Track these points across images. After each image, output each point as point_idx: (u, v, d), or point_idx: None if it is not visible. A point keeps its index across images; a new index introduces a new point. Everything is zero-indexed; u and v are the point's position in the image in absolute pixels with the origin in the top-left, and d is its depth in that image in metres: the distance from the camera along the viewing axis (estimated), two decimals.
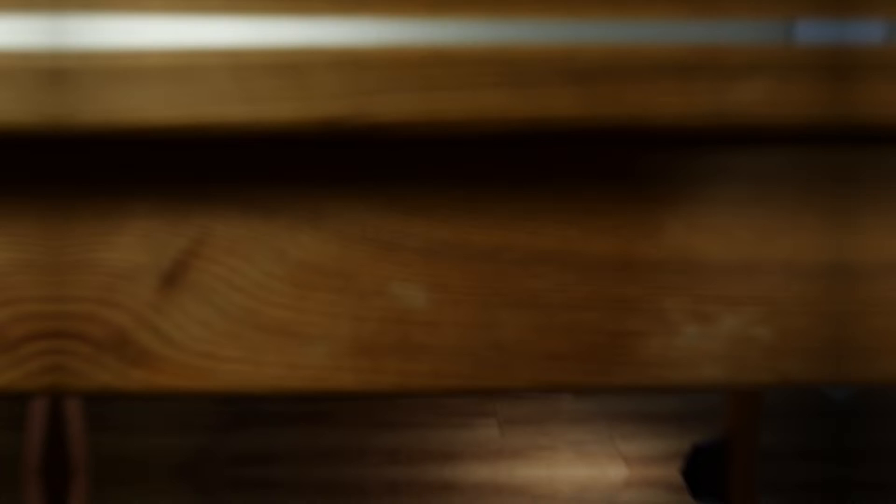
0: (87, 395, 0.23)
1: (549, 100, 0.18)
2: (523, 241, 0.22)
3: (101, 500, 1.07)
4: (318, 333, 0.23)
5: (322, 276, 0.22)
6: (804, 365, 0.24)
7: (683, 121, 0.18)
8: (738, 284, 0.23)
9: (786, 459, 1.17)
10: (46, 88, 0.18)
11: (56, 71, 0.18)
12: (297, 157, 0.21)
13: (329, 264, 0.22)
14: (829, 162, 0.22)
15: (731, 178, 0.22)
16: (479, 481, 1.10)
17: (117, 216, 0.22)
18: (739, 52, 0.18)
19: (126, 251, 0.22)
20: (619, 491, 1.10)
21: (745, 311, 0.23)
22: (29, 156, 0.21)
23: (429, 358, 0.23)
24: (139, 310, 0.22)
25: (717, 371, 0.23)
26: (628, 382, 0.23)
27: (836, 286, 0.23)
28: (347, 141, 0.18)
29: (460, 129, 0.18)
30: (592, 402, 1.27)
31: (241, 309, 0.22)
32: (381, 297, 0.22)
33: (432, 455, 1.15)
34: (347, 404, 1.25)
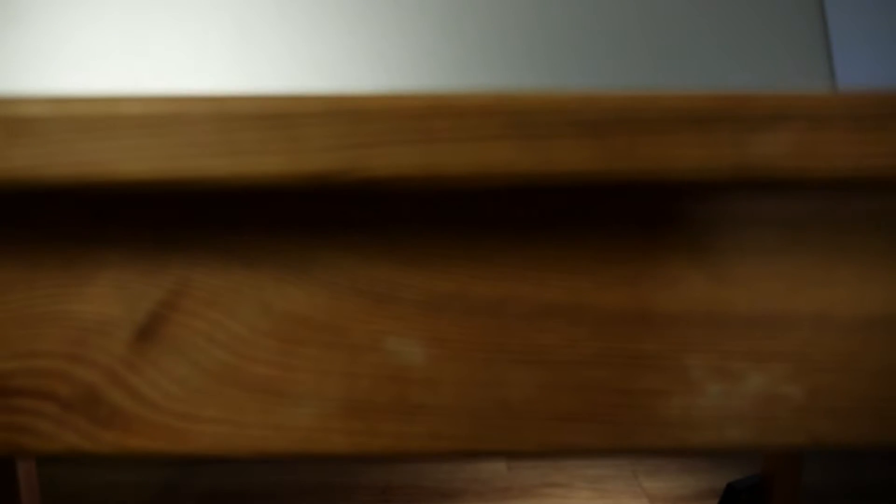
0: (51, 457, 0.24)
1: (559, 153, 0.18)
2: (529, 293, 0.23)
3: None
4: (306, 392, 0.23)
5: (310, 331, 0.23)
6: (837, 425, 0.24)
7: (703, 174, 0.19)
8: (765, 339, 0.24)
9: (830, 499, 1.18)
10: (13, 138, 0.19)
11: (24, 119, 0.19)
12: (282, 204, 0.22)
13: (318, 317, 0.23)
14: (864, 208, 0.23)
15: (758, 225, 0.23)
16: None
17: (88, 265, 0.23)
18: (761, 101, 0.19)
19: (98, 303, 0.23)
20: None
21: (773, 368, 0.24)
22: None
23: (427, 419, 0.24)
24: (111, 366, 0.23)
25: (744, 432, 0.24)
26: (646, 445, 0.24)
27: (873, 341, 0.24)
28: (341, 196, 0.19)
29: (463, 184, 0.18)
30: None
31: (222, 365, 0.23)
32: (375, 353, 0.23)
33: (429, 493, 1.16)
34: None
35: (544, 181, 0.18)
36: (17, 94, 0.32)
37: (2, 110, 0.18)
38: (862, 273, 0.23)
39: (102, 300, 0.23)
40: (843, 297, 0.23)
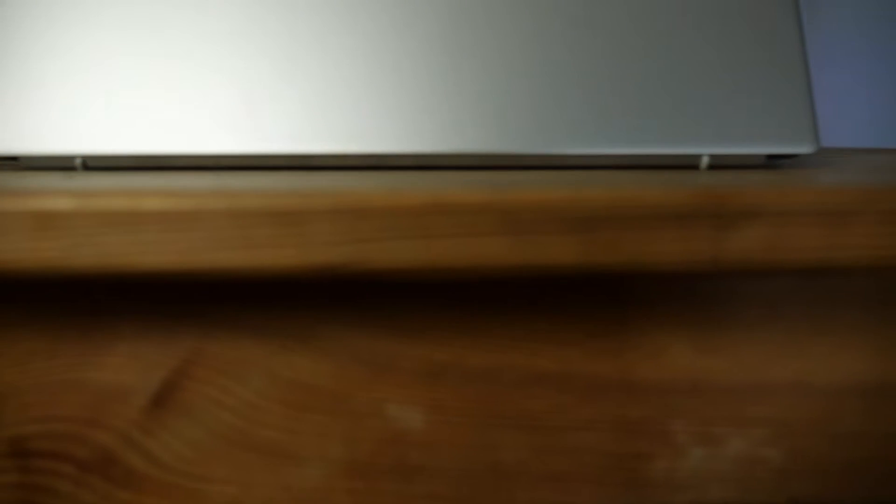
0: None
1: (547, 248, 0.20)
2: (521, 363, 0.25)
3: None
4: (310, 454, 0.25)
5: (315, 397, 0.25)
6: (814, 485, 0.26)
7: (682, 266, 0.21)
8: (745, 406, 0.25)
9: None
10: (41, 231, 0.20)
11: (52, 213, 0.20)
12: (290, 284, 0.24)
13: (322, 385, 0.25)
14: (835, 286, 0.25)
15: (736, 301, 0.25)
16: None
17: (105, 337, 0.24)
18: (735, 198, 0.20)
19: (114, 372, 0.25)
20: None
21: (753, 433, 0.26)
22: (20, 287, 0.24)
23: (426, 480, 0.25)
24: (126, 430, 0.25)
25: (726, 493, 0.26)
26: None
27: (846, 407, 0.26)
28: (346, 285, 0.21)
29: (459, 276, 0.20)
30: None
31: (232, 429, 0.25)
32: (376, 419, 0.25)
33: None
34: None
35: (534, 273, 0.20)
36: (34, 156, 0.34)
37: (31, 204, 0.20)
38: (834, 345, 0.25)
39: (119, 369, 0.24)
40: (818, 366, 0.25)
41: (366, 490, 0.25)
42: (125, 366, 0.25)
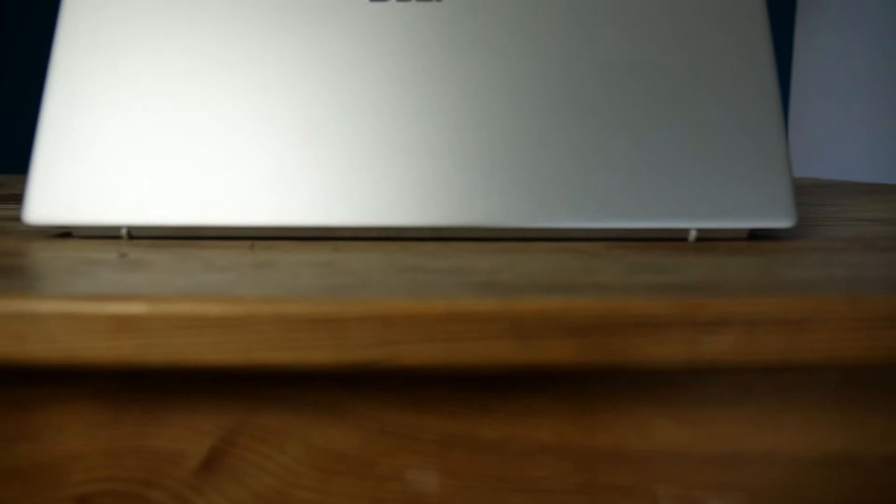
0: None
1: (548, 350, 0.24)
2: (526, 435, 0.29)
3: None
4: None
5: (344, 463, 0.29)
6: None
7: (663, 365, 0.24)
8: (722, 473, 0.29)
9: None
10: (119, 332, 0.24)
11: (129, 317, 0.24)
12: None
13: (351, 453, 0.29)
14: (801, 371, 0.28)
15: (714, 383, 0.29)
16: None
17: (164, 410, 0.28)
18: (708, 307, 0.24)
19: (170, 440, 0.29)
20: None
21: (730, 497, 0.29)
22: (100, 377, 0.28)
23: None
24: (179, 490, 0.29)
25: None
26: None
27: (814, 475, 0.29)
28: (377, 379, 0.25)
29: (473, 372, 0.24)
30: None
31: (272, 490, 0.29)
32: (398, 482, 0.29)
33: None
34: None
35: (537, 370, 0.24)
36: (85, 227, 0.38)
37: (111, 308, 0.24)
38: (800, 421, 0.29)
39: (174, 437, 0.28)
40: (787, 439, 0.29)
41: None
42: (180, 435, 0.28)
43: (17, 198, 0.68)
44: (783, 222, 0.38)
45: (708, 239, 0.39)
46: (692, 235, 0.39)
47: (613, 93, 0.40)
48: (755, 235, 0.40)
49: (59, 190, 0.39)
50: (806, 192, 0.80)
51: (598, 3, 0.41)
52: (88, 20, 0.42)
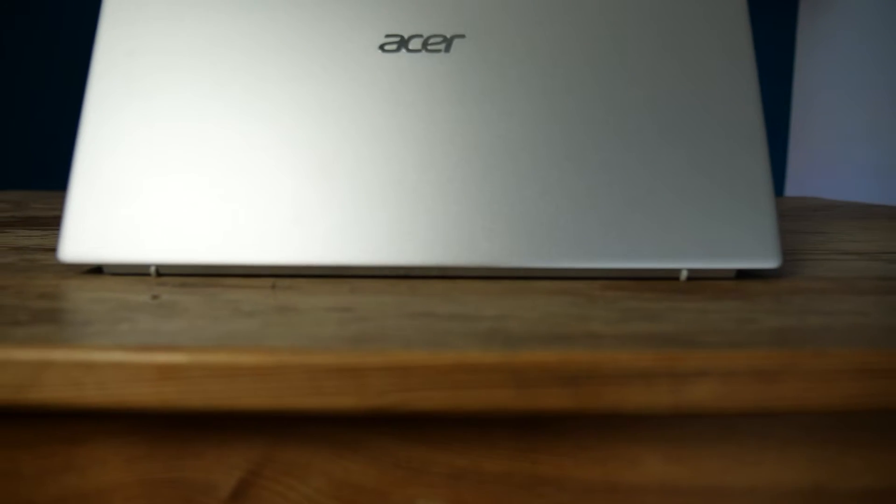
0: None
1: (544, 398, 0.27)
2: (527, 469, 0.32)
3: None
4: None
5: (361, 494, 0.32)
6: None
7: (649, 412, 0.27)
8: None
9: None
10: (163, 379, 0.27)
11: (171, 365, 0.27)
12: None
13: (367, 484, 0.32)
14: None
15: (698, 423, 0.32)
16: None
17: (199, 444, 0.31)
18: (689, 359, 0.27)
19: (203, 471, 0.32)
20: None
21: None
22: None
23: None
24: None
25: None
26: None
27: None
28: (391, 419, 0.28)
29: (478, 416, 0.27)
30: None
31: None
32: None
33: None
34: None
35: (536, 415, 0.27)
36: (116, 265, 0.41)
37: (157, 358, 0.27)
38: (780, 457, 0.32)
39: (207, 470, 0.31)
40: (767, 474, 0.32)
41: None
42: (211, 467, 0.32)
43: (40, 221, 0.71)
44: (768, 263, 0.41)
45: (698, 278, 0.42)
46: (683, 275, 0.42)
47: (609, 144, 0.43)
48: (743, 274, 0.43)
49: (92, 230, 0.42)
50: (801, 216, 0.83)
51: (589, 58, 0.44)
52: (122, 61, 0.45)
